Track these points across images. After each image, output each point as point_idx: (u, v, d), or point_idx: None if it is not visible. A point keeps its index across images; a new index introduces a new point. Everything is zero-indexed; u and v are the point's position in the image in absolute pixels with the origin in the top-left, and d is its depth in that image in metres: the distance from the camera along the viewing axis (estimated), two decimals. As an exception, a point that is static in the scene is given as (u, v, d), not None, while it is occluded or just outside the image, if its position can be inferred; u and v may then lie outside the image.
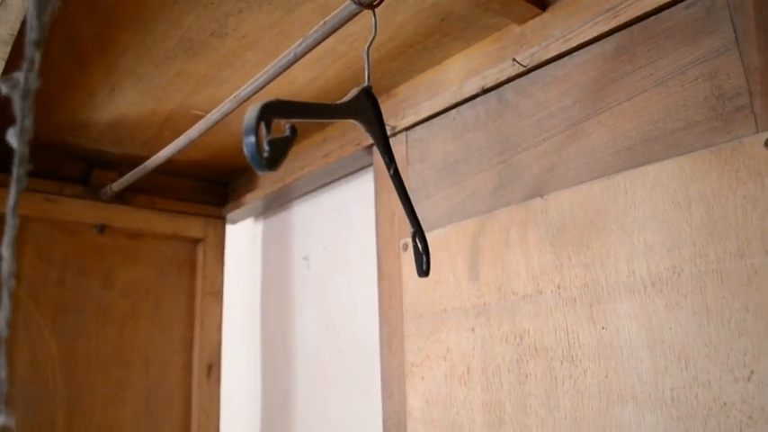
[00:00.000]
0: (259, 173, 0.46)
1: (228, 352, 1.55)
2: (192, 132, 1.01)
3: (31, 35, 0.35)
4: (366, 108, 0.67)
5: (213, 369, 1.52)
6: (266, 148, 0.50)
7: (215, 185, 1.60)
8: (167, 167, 1.40)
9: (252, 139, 0.48)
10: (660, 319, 0.70)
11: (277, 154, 0.50)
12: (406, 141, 1.04)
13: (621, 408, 0.72)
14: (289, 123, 0.54)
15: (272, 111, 0.50)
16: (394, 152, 1.01)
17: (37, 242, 1.39)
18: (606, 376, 0.73)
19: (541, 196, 0.83)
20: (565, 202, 0.80)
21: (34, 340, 1.35)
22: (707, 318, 0.66)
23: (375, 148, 1.09)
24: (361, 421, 1.18)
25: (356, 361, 1.21)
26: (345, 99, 0.65)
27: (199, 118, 1.05)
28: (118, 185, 1.33)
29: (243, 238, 1.63)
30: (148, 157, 1.24)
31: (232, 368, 1.56)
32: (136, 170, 1.22)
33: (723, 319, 0.65)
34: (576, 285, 0.77)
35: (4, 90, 0.35)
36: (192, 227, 1.54)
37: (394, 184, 0.74)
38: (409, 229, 0.76)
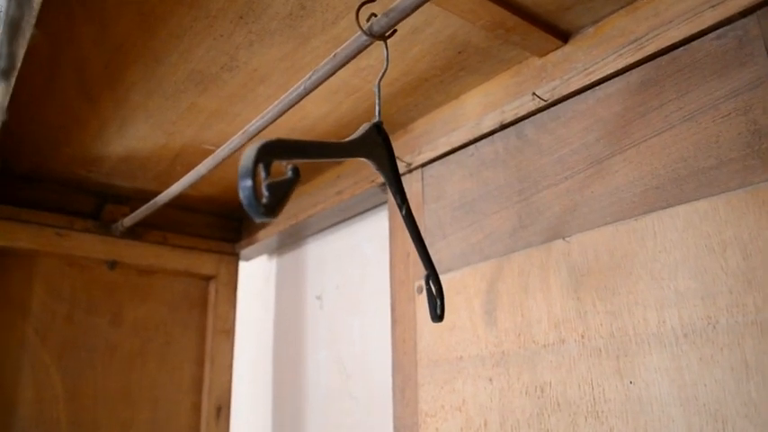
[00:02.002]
0: (257, 221, 0.42)
1: (238, 393, 1.50)
2: (202, 168, 0.99)
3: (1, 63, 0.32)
4: (377, 144, 0.63)
5: (222, 410, 1.47)
6: (265, 193, 0.46)
7: (228, 221, 1.57)
8: (180, 202, 1.37)
9: (248, 183, 0.44)
10: (694, 375, 0.64)
11: (276, 199, 0.46)
12: (422, 178, 0.99)
13: (652, 471, 0.66)
14: (291, 164, 0.50)
15: (270, 151, 0.46)
16: (409, 189, 0.97)
17: (46, 277, 1.36)
18: (635, 435, 0.67)
19: (563, 238, 0.78)
20: (589, 245, 0.75)
21: (40, 379, 1.32)
22: (746, 374, 0.60)
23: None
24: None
25: (368, 407, 1.16)
26: (355, 136, 0.61)
27: (210, 152, 1.02)
28: (129, 220, 1.30)
29: (256, 275, 1.59)
30: (161, 192, 1.21)
31: (242, 410, 1.50)
32: (147, 205, 1.19)
33: (764, 375, 0.59)
34: (601, 335, 0.72)
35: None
36: (205, 263, 1.51)
37: (406, 224, 0.70)
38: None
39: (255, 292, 1.57)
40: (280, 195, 0.46)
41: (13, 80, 0.84)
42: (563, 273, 0.77)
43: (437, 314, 0.69)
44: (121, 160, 1.21)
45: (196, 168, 1.00)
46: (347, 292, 1.26)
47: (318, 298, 1.34)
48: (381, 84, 0.68)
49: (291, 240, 1.45)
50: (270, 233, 1.40)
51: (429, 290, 0.70)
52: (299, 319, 1.40)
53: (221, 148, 0.93)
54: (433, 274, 0.70)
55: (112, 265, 1.41)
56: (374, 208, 1.20)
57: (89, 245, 1.38)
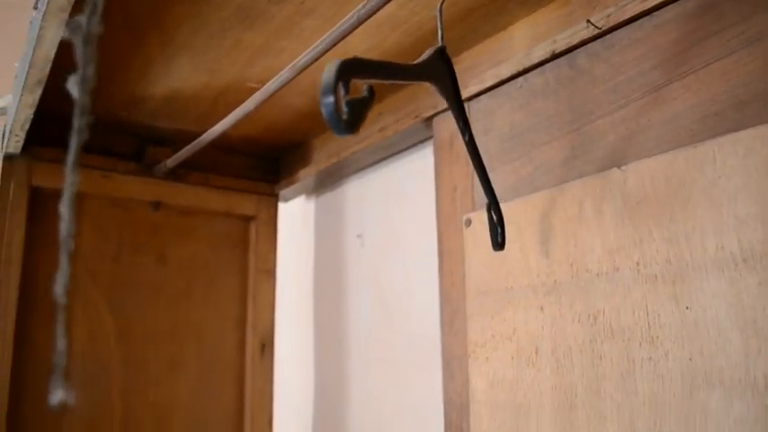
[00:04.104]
0: (338, 136, 0.43)
1: (281, 331, 1.53)
2: (249, 104, 0.99)
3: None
4: (441, 69, 0.63)
5: (267, 348, 1.51)
6: (345, 109, 0.46)
7: (267, 162, 1.58)
8: (221, 143, 1.38)
9: (330, 99, 0.45)
10: (752, 298, 0.64)
11: (356, 116, 0.46)
12: (469, 112, 0.99)
13: (707, 393, 0.67)
14: (366, 84, 0.50)
15: (350, 69, 0.46)
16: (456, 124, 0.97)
17: (93, 219, 1.39)
18: (690, 359, 0.68)
19: (618, 167, 0.77)
20: (645, 173, 0.75)
21: (91, 317, 1.36)
22: (808, 297, 0.60)
23: (435, 121, 1.05)
24: (419, 403, 1.15)
25: (413, 342, 1.18)
26: (420, 60, 0.61)
27: (254, 91, 1.02)
28: (172, 161, 1.31)
29: (295, 216, 1.61)
30: (201, 134, 1.22)
31: (285, 347, 1.54)
32: (190, 145, 1.20)
33: (827, 297, 0.59)
34: (657, 262, 0.72)
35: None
36: (245, 204, 1.53)
37: (468, 151, 0.70)
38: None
39: (295, 233, 1.59)
40: (359, 112, 0.47)
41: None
42: (618, 202, 0.77)
43: (498, 242, 0.70)
44: (164, 101, 1.22)
45: (243, 104, 1.00)
46: (389, 230, 1.27)
47: (359, 236, 1.36)
48: (435, 12, 0.67)
49: (330, 180, 1.46)
50: (309, 173, 1.41)
51: (490, 219, 0.70)
52: (340, 258, 1.41)
53: (270, 82, 0.93)
54: (493, 203, 0.71)
55: (156, 206, 1.43)
56: (416, 145, 1.20)
57: (133, 186, 1.40)
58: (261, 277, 1.53)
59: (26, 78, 0.93)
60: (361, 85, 0.51)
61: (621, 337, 0.74)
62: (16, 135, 1.17)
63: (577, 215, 0.81)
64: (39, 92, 0.97)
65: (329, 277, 1.46)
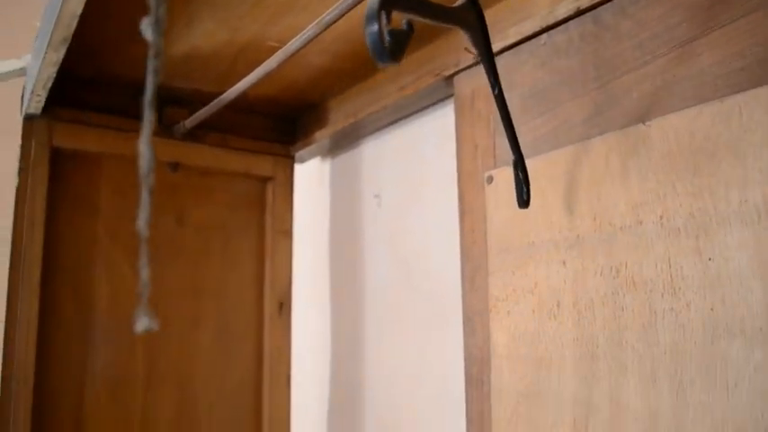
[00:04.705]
0: (380, 65, 0.44)
1: (298, 290, 1.56)
2: (272, 62, 0.99)
3: None
4: (472, 18, 0.64)
5: (284, 306, 1.54)
6: (387, 38, 0.47)
7: (284, 123, 1.58)
8: (238, 104, 1.38)
9: (375, 27, 0.46)
10: (775, 250, 0.65)
11: (398, 45, 0.48)
12: (492, 69, 0.99)
13: (728, 342, 0.69)
14: (405, 19, 0.51)
15: (392, 0, 0.48)
16: (479, 82, 0.98)
17: (112, 179, 1.40)
18: (712, 309, 0.70)
19: (643, 123, 0.78)
20: (670, 129, 0.76)
21: (113, 275, 1.38)
22: (831, 247, 0.62)
23: (456, 79, 1.06)
24: (437, 360, 1.18)
25: (431, 299, 1.20)
26: (455, 5, 0.62)
27: (274, 50, 1.03)
28: (191, 122, 1.32)
29: (311, 177, 1.62)
30: (219, 94, 1.23)
31: (302, 306, 1.57)
32: (211, 104, 1.21)
33: None
34: (680, 215, 0.73)
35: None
36: (262, 165, 1.54)
37: (498, 106, 0.71)
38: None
39: (311, 194, 1.61)
40: (401, 42, 0.48)
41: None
42: (642, 157, 0.78)
43: (524, 199, 0.71)
44: (183, 60, 1.22)
45: (266, 62, 1.01)
46: (407, 190, 1.29)
47: (376, 196, 1.37)
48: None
49: (346, 141, 1.47)
50: (325, 134, 1.42)
51: (517, 175, 0.71)
52: (357, 218, 1.43)
53: (294, 39, 0.93)
54: (520, 160, 0.72)
55: (175, 166, 1.45)
56: (435, 104, 1.21)
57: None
58: (278, 238, 1.55)
59: (51, 36, 0.93)
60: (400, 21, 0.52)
61: (644, 289, 0.76)
62: (38, 95, 1.18)
63: (601, 171, 0.82)
64: (63, 50, 0.97)
65: (345, 237, 1.47)
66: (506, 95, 0.93)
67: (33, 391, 1.24)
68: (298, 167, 1.58)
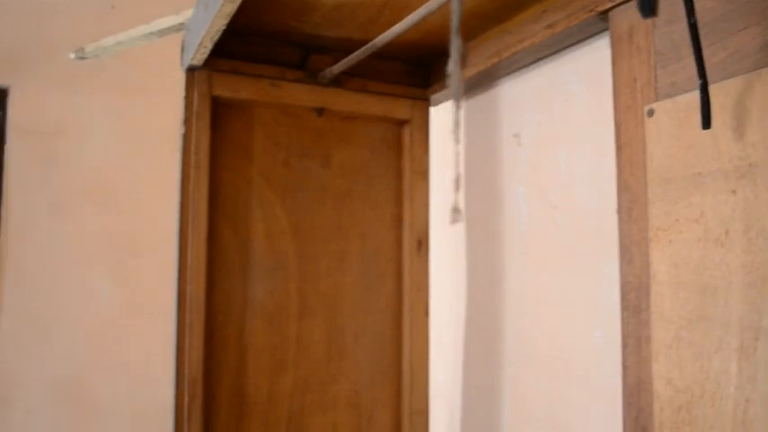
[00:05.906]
0: (644, 17, 0.47)
1: (436, 229, 1.62)
2: (423, 10, 1.03)
3: None
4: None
5: (423, 244, 1.61)
6: None
7: (419, 68, 1.63)
8: (379, 50, 1.44)
9: None
10: None
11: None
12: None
13: None
14: None
15: None
16: (636, 15, 0.98)
17: (264, 125, 1.50)
18: None
19: (826, 47, 0.77)
20: None
21: (268, 215, 1.49)
22: None
23: (611, 14, 1.06)
24: (580, 295, 1.21)
25: (575, 234, 1.23)
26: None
27: (424, -6, 1.06)
28: (338, 68, 1.39)
29: (447, 119, 1.66)
30: (362, 41, 1.27)
31: (440, 244, 1.63)
32: (361, 50, 1.27)
33: None
34: None
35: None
36: (400, 109, 1.60)
37: (691, 35, 0.72)
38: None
39: (447, 136, 1.65)
40: None
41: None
42: (824, 82, 0.77)
43: (708, 122, 0.73)
44: (333, 8, 1.28)
45: (419, 9, 1.04)
46: (550, 128, 1.31)
47: (516, 136, 1.40)
48: None
49: (484, 82, 1.50)
50: (465, 75, 1.44)
51: (703, 98, 0.73)
52: (495, 157, 1.47)
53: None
54: (704, 83, 0.74)
55: (320, 112, 1.53)
56: (582, 41, 1.21)
57: (299, 94, 1.49)
58: (415, 178, 1.62)
59: (230, -12, 1.01)
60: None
61: (823, 215, 0.77)
62: (204, 47, 1.27)
63: (777, 98, 0.82)
64: (239, 0, 1.05)
65: (484, 176, 1.51)
66: (669, 28, 0.94)
67: (205, 320, 1.37)
68: (433, 110, 1.63)
